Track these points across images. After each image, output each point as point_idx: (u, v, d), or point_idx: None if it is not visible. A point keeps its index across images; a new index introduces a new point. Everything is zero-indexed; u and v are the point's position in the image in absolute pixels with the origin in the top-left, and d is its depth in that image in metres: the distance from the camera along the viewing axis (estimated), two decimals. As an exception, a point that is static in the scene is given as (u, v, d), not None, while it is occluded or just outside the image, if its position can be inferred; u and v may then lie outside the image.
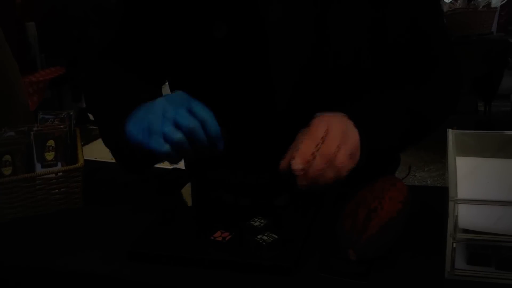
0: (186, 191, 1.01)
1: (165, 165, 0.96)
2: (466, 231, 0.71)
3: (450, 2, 3.52)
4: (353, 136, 0.80)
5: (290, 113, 0.94)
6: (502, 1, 3.41)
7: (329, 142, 0.77)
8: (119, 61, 1.00)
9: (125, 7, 1.00)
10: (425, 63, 0.97)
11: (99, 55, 1.04)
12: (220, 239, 0.80)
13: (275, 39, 0.91)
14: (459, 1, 3.49)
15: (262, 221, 0.81)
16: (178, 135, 0.76)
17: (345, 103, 0.87)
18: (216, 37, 0.92)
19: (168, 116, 0.77)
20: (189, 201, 0.99)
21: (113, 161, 0.97)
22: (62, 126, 1.04)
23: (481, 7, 3.37)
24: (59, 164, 1.01)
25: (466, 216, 0.71)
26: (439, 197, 0.88)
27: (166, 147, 0.77)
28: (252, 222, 0.81)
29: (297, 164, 0.76)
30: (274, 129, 0.95)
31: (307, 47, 0.91)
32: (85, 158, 1.02)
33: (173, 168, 1.05)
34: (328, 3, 0.90)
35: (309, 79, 0.93)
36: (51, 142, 1.01)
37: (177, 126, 0.77)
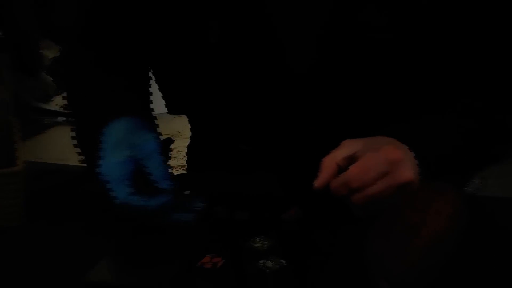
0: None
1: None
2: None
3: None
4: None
5: (309, 96, 0.89)
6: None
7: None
8: (99, 46, 0.97)
9: None
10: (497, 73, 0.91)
11: (78, 38, 1.00)
12: (209, 266, 0.73)
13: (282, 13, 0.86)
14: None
15: (266, 241, 0.75)
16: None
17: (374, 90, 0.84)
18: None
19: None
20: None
21: (64, 163, 0.90)
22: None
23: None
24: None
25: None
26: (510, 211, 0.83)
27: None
28: (252, 243, 0.75)
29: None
30: (291, 121, 0.90)
31: (323, 18, 0.85)
32: (27, 159, 0.91)
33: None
34: None
35: (328, 55, 0.87)
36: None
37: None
